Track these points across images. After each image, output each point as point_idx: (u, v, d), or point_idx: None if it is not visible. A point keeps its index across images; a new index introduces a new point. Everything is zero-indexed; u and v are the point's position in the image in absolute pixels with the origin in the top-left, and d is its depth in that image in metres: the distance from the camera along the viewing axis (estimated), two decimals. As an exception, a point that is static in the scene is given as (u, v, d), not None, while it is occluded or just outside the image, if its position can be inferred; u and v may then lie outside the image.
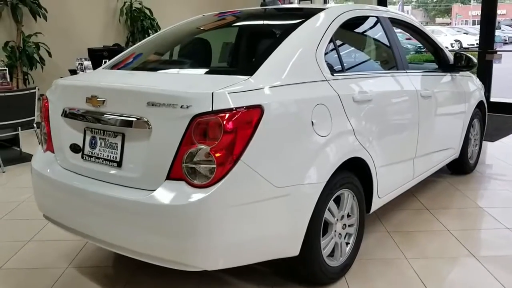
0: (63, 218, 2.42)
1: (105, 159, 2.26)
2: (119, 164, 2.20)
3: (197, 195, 1.93)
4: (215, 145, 1.95)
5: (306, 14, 2.75)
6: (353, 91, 2.61)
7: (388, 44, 3.20)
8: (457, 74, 3.99)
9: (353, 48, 3.09)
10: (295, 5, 2.92)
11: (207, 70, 2.56)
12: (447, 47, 4.14)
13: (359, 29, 3.19)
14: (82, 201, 2.25)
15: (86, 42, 8.18)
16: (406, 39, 4.23)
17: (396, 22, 3.47)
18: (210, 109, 1.95)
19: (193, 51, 2.89)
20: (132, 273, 2.73)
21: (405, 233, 3.22)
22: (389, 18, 3.29)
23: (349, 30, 2.99)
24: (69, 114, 2.41)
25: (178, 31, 3.08)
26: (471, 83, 4.32)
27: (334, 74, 2.55)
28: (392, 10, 3.47)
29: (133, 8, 8.87)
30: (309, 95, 2.30)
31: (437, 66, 3.94)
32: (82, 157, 2.37)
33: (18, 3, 7.18)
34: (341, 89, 2.52)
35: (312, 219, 2.28)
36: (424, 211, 3.60)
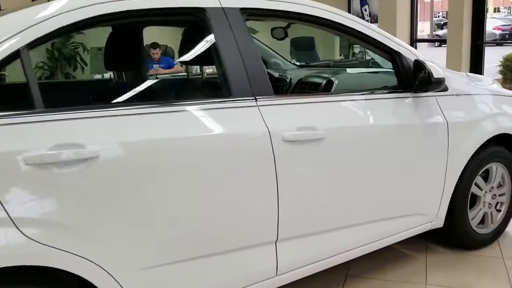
0: None
1: None
2: None
3: None
4: None
5: None
6: (27, 147, 1.49)
7: (210, 59, 1.95)
8: (430, 94, 2.42)
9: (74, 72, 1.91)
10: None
11: None
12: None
13: (110, 40, 1.99)
14: None
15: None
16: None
17: (270, 15, 2.15)
18: None
19: None
20: None
21: None
22: (241, 9, 1.97)
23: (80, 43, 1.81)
24: None
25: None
26: (482, 105, 2.65)
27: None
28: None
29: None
30: None
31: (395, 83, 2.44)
32: None
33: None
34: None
35: None
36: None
